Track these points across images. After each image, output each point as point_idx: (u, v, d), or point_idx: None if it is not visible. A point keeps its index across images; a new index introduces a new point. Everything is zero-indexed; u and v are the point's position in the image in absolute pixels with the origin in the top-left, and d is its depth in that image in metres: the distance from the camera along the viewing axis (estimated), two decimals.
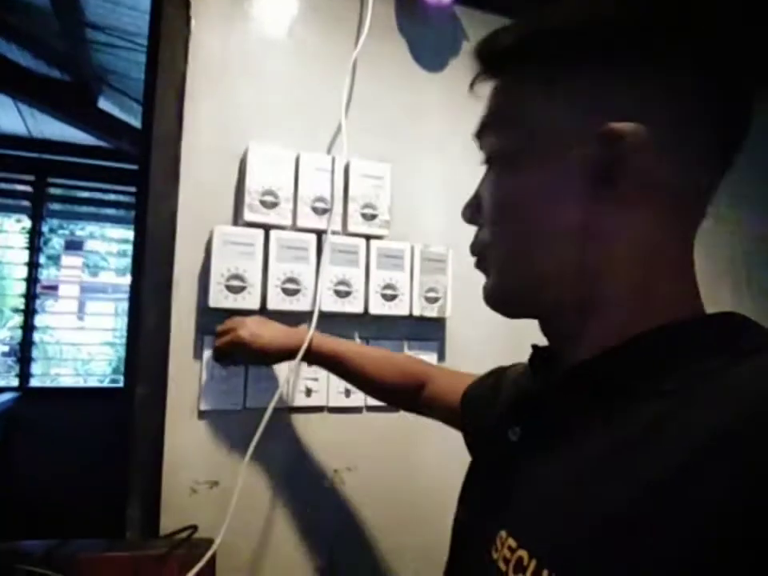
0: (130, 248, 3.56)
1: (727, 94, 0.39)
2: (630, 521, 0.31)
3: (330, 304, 1.01)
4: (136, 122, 2.73)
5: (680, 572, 0.28)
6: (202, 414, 0.97)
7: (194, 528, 0.90)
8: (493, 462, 0.50)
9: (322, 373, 1.02)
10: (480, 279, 0.49)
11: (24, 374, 3.07)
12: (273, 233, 0.98)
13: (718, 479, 0.28)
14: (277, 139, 1.03)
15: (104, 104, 2.71)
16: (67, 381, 3.67)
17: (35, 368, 3.17)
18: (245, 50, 1.05)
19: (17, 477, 2.61)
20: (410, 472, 1.11)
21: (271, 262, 0.97)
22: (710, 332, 0.38)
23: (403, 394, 0.92)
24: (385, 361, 0.93)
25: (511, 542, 0.38)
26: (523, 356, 0.54)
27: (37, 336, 3.21)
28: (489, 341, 1.15)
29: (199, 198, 0.99)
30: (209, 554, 0.83)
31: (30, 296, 3.12)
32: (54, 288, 3.82)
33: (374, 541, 1.07)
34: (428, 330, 1.14)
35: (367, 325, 1.08)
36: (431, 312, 1.10)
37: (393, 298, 1.06)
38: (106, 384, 3.75)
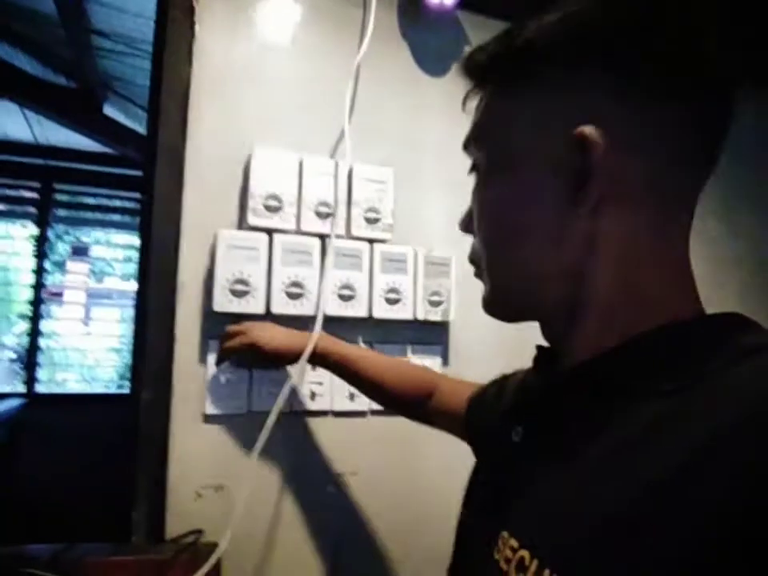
0: (135, 254, 3.58)
1: (700, 93, 0.39)
2: (630, 521, 0.31)
3: (334, 308, 1.01)
4: (141, 129, 2.75)
5: (680, 572, 0.28)
6: (207, 418, 0.97)
7: (200, 532, 0.90)
8: (495, 463, 0.51)
9: (326, 377, 1.02)
10: None
11: (30, 380, 3.09)
12: (277, 237, 0.98)
13: (718, 479, 0.28)
14: (280, 144, 1.04)
15: (109, 110, 2.73)
16: (73, 386, 3.68)
17: (41, 374, 3.19)
18: (249, 55, 1.05)
19: (23, 481, 2.61)
20: (414, 476, 1.11)
21: (275, 266, 0.97)
22: (710, 332, 0.38)
23: (410, 403, 0.92)
24: (394, 368, 0.93)
25: (513, 543, 0.38)
26: (528, 359, 0.54)
27: (43, 342, 3.23)
28: (493, 344, 1.15)
29: (204, 202, 0.99)
30: (214, 557, 0.83)
31: (36, 302, 3.14)
32: (60, 294, 3.83)
33: (379, 545, 1.07)
34: (432, 333, 1.14)
35: (371, 329, 1.08)
36: (435, 316, 1.10)
37: (396, 301, 1.06)
38: (111, 390, 3.76)
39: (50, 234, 3.29)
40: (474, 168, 0.50)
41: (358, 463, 1.07)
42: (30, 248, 3.23)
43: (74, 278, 4.08)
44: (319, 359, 0.92)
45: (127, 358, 3.47)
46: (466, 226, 0.51)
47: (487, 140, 0.47)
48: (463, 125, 0.50)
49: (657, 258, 0.41)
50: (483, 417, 0.69)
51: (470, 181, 0.51)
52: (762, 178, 1.54)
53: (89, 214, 3.55)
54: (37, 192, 3.24)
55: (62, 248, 3.96)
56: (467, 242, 0.52)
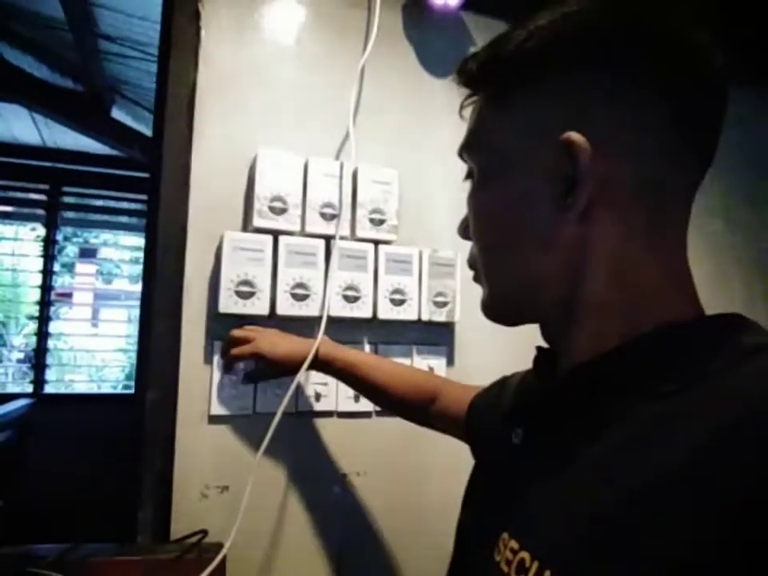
0: (142, 255, 3.60)
1: (695, 92, 0.39)
2: (630, 521, 0.31)
3: (339, 309, 1.01)
4: (148, 131, 2.77)
5: (681, 572, 0.28)
6: (212, 419, 0.97)
7: (205, 532, 0.91)
8: (496, 465, 0.51)
9: (331, 378, 1.02)
10: None
11: (38, 381, 3.11)
12: (282, 238, 0.99)
13: (718, 479, 0.28)
14: (285, 146, 1.04)
15: (117, 113, 2.74)
16: (81, 387, 3.70)
17: (49, 374, 3.21)
18: (254, 58, 1.06)
19: (31, 481, 2.63)
20: (419, 477, 1.11)
21: (280, 267, 0.98)
22: (709, 333, 0.38)
23: (414, 407, 0.92)
24: (397, 373, 0.93)
25: (513, 544, 0.38)
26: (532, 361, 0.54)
27: (51, 343, 3.25)
28: (498, 345, 1.15)
29: (209, 204, 1.00)
30: (218, 558, 0.84)
31: (45, 303, 3.16)
32: (68, 295, 3.86)
33: (384, 545, 1.07)
34: (437, 334, 1.14)
35: (376, 330, 1.09)
36: (440, 316, 1.10)
37: (401, 302, 1.06)
38: (119, 390, 3.78)
39: (58, 236, 3.31)
40: (469, 175, 0.50)
41: (362, 464, 1.07)
42: (38, 250, 3.25)
43: (82, 280, 4.10)
44: (322, 365, 0.92)
45: (134, 358, 3.49)
46: (464, 231, 0.52)
47: (480, 147, 0.48)
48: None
49: (652, 259, 0.41)
50: (484, 419, 0.69)
51: None
52: (763, 176, 1.53)
53: (97, 216, 3.57)
54: (45, 194, 3.26)
55: (70, 250, 3.99)
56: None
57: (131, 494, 0.96)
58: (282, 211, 0.99)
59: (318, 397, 1.04)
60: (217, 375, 0.97)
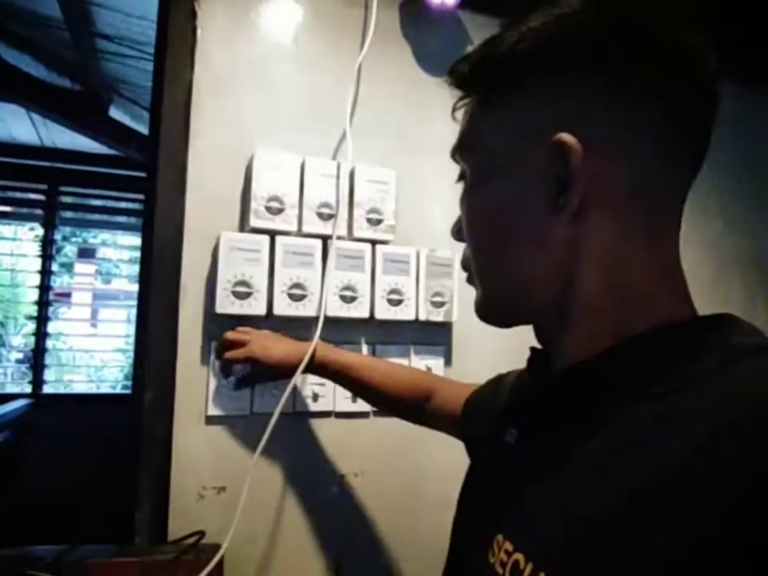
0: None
1: (688, 92, 0.40)
2: (628, 521, 0.31)
3: (336, 309, 1.01)
4: (146, 131, 2.76)
5: (681, 572, 0.28)
6: (209, 420, 0.97)
7: (202, 533, 0.90)
8: (490, 465, 0.51)
9: None
10: None
11: (37, 381, 3.10)
12: (278, 238, 0.98)
13: (718, 480, 0.28)
14: (282, 145, 1.04)
15: (115, 113, 2.74)
16: (80, 387, 3.69)
17: (48, 374, 3.20)
18: (250, 57, 1.06)
19: (29, 482, 2.63)
20: (417, 477, 1.11)
21: (277, 267, 0.98)
22: (703, 333, 0.38)
23: (410, 406, 0.92)
24: (392, 373, 0.93)
25: (507, 546, 0.38)
26: None
27: (50, 343, 3.24)
28: (495, 345, 1.14)
29: (206, 204, 1.00)
30: (216, 559, 0.83)
31: (43, 303, 3.16)
32: (67, 295, 3.85)
33: (382, 546, 1.07)
34: (434, 334, 1.14)
35: (373, 330, 1.08)
36: (437, 316, 1.10)
37: (399, 302, 1.06)
38: (118, 390, 3.77)
39: (57, 235, 3.31)
40: (461, 177, 0.50)
41: (360, 464, 1.07)
42: (36, 250, 3.25)
43: (81, 280, 4.10)
44: (318, 369, 0.92)
45: (133, 358, 3.49)
46: (458, 233, 0.52)
47: (472, 148, 0.48)
48: None
49: (644, 259, 0.41)
50: (478, 418, 0.69)
51: None
52: (762, 175, 1.53)
53: (95, 216, 3.56)
54: (43, 194, 3.25)
55: (69, 250, 3.98)
56: None
57: (129, 495, 0.96)
58: (279, 211, 0.99)
59: (315, 397, 1.04)
60: (214, 375, 0.97)
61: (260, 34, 1.07)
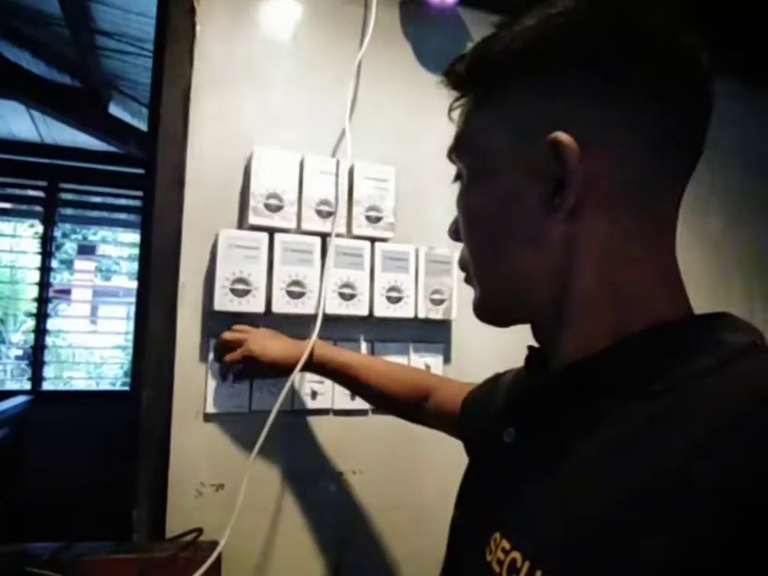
0: None
1: (683, 92, 0.40)
2: (625, 522, 0.31)
3: (335, 307, 1.01)
4: (146, 128, 2.76)
5: (680, 572, 0.28)
6: (207, 417, 0.97)
7: (200, 531, 0.91)
8: (488, 464, 0.51)
9: None
10: None
11: (36, 378, 3.10)
12: (277, 236, 0.98)
13: (717, 479, 0.28)
14: (281, 143, 1.03)
15: (114, 109, 2.74)
16: (79, 384, 3.70)
17: (48, 371, 3.21)
18: (249, 54, 1.05)
19: (28, 479, 2.63)
20: (416, 475, 1.11)
21: (276, 265, 0.97)
22: (699, 332, 0.38)
23: (408, 405, 0.92)
24: (391, 372, 0.93)
25: (505, 544, 0.38)
26: None
27: (49, 340, 3.25)
28: (494, 343, 1.14)
29: (204, 201, 0.99)
30: (213, 556, 0.84)
31: (43, 300, 3.16)
32: (67, 292, 3.86)
33: (380, 544, 1.07)
34: (433, 332, 1.14)
35: (372, 327, 1.08)
36: (436, 314, 1.09)
37: (398, 300, 1.06)
38: (117, 387, 3.78)
39: (57, 232, 3.31)
40: (458, 177, 0.51)
41: (359, 462, 1.07)
42: (36, 247, 3.25)
43: (81, 276, 4.10)
44: (316, 367, 0.92)
45: (132, 355, 3.49)
46: (455, 233, 0.52)
47: (469, 148, 0.48)
48: None
49: (641, 258, 0.41)
50: (476, 417, 0.69)
51: None
52: (762, 174, 1.53)
53: (95, 213, 3.56)
54: (43, 191, 3.25)
55: (68, 247, 3.99)
56: None
57: (128, 492, 0.96)
58: (278, 208, 0.99)
59: (313, 395, 1.04)
60: (212, 373, 0.97)
61: (259, 30, 1.07)
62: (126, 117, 2.80)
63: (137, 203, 3.50)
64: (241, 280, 0.95)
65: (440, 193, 1.15)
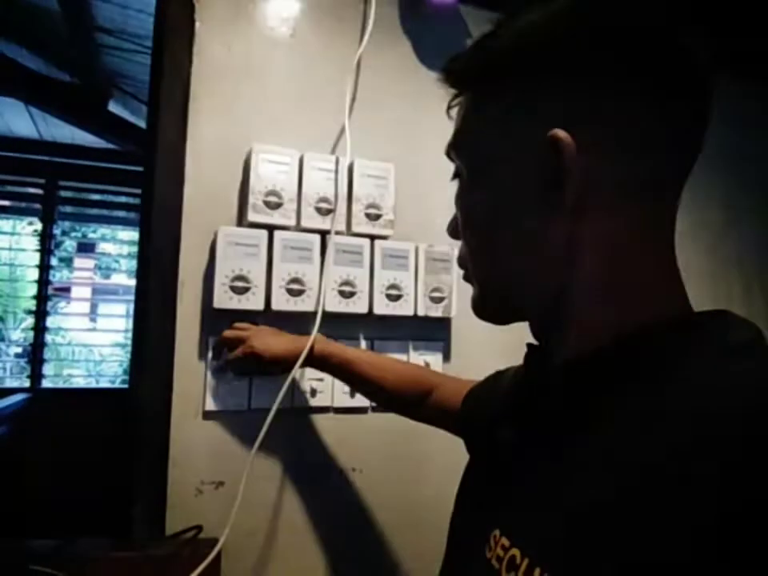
0: None
1: (678, 91, 0.39)
2: (621, 519, 0.31)
3: (335, 304, 1.01)
4: (145, 125, 2.75)
5: (676, 571, 0.27)
6: (207, 415, 0.97)
7: (200, 528, 0.91)
8: (488, 461, 0.51)
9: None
10: None
11: (36, 375, 3.10)
12: (277, 233, 0.98)
13: (709, 477, 0.28)
14: (281, 140, 1.03)
15: (114, 107, 2.73)
16: (79, 382, 3.70)
17: (47, 369, 3.20)
18: (249, 51, 1.05)
19: (28, 477, 2.63)
20: (416, 472, 1.11)
21: (275, 262, 0.97)
22: (698, 330, 0.38)
23: (408, 402, 0.92)
24: (391, 368, 0.93)
25: (504, 541, 0.38)
26: None
27: (49, 337, 3.24)
28: (494, 340, 1.14)
29: (203, 198, 0.99)
30: (213, 553, 0.84)
31: (42, 298, 3.15)
32: (66, 290, 3.85)
33: (381, 541, 1.07)
34: (433, 330, 1.14)
35: (372, 325, 1.08)
36: (436, 312, 1.09)
37: (397, 298, 1.06)
38: (117, 385, 3.78)
39: (56, 230, 3.30)
40: (456, 174, 0.50)
41: (358, 460, 1.07)
42: (35, 244, 3.24)
43: (80, 274, 4.10)
44: (318, 363, 0.93)
45: (131, 353, 3.49)
46: (454, 231, 0.52)
47: (467, 147, 0.48)
48: None
49: (640, 257, 0.40)
50: (477, 414, 0.69)
51: None
52: (762, 171, 1.53)
53: (94, 211, 3.56)
54: (42, 188, 3.24)
55: (68, 244, 3.99)
56: None
57: (128, 490, 0.96)
58: (277, 206, 0.98)
59: (313, 392, 1.04)
60: (211, 371, 0.97)
61: (259, 27, 1.06)
62: (125, 114, 2.79)
63: (136, 201, 3.49)
64: (240, 277, 0.95)
65: (440, 190, 1.15)
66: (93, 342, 3.86)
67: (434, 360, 1.12)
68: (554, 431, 0.41)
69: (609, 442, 0.35)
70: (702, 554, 0.27)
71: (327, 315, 0.98)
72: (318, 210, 1.02)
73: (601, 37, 0.39)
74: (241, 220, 1.00)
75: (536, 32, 0.41)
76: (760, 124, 1.53)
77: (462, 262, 0.52)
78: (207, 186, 1.00)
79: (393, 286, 1.05)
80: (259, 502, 0.98)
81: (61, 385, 3.45)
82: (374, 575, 1.07)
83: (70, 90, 2.56)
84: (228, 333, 0.93)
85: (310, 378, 1.03)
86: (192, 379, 0.96)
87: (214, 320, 0.97)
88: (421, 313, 1.08)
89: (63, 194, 3.32)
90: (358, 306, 1.03)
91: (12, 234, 3.80)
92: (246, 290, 0.95)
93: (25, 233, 3.72)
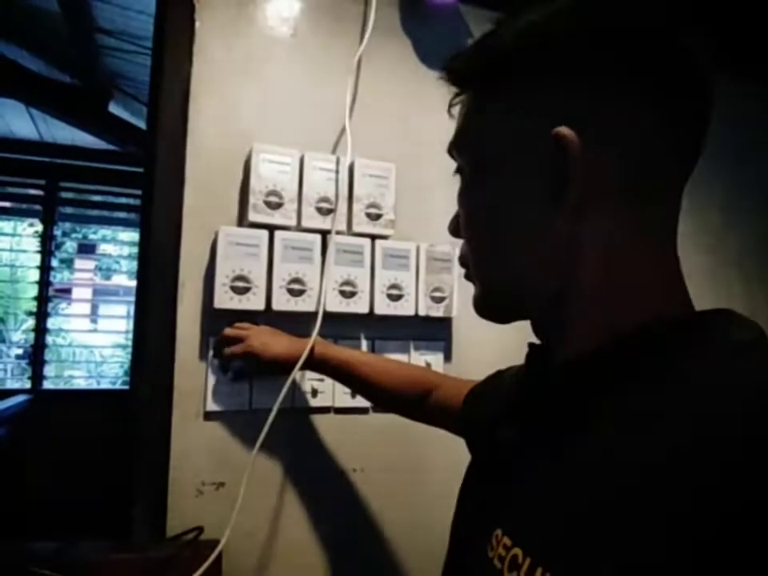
0: None
1: (679, 90, 0.39)
2: (621, 519, 0.31)
3: (336, 304, 1.01)
4: (145, 126, 2.75)
5: (675, 571, 0.27)
6: (207, 415, 0.97)
7: (200, 529, 0.90)
8: (489, 461, 0.51)
9: None
10: None
11: (37, 377, 3.10)
12: (277, 233, 0.98)
13: (708, 476, 0.28)
14: (281, 140, 1.03)
15: (114, 108, 2.73)
16: (80, 383, 3.70)
17: (48, 370, 3.20)
18: (249, 51, 1.05)
19: (29, 478, 2.63)
20: (418, 472, 1.11)
21: (276, 262, 0.97)
22: (699, 329, 0.38)
23: (409, 403, 0.92)
24: (391, 369, 0.93)
25: (506, 541, 0.38)
26: None
27: (50, 338, 3.24)
28: (495, 340, 1.14)
29: (204, 199, 0.99)
30: (214, 554, 0.83)
31: (43, 299, 3.15)
32: (67, 291, 3.86)
33: (382, 542, 1.06)
34: (434, 329, 1.13)
35: (373, 325, 1.08)
36: (437, 312, 1.09)
37: (398, 297, 1.05)
38: (118, 386, 3.78)
39: (57, 231, 3.30)
40: (458, 170, 0.50)
41: (360, 460, 1.07)
42: (36, 245, 3.24)
43: (81, 275, 4.10)
44: (317, 365, 0.93)
45: (132, 354, 3.49)
46: (455, 229, 0.52)
47: (469, 145, 0.47)
48: None
49: (642, 256, 0.40)
50: (478, 414, 0.69)
51: None
52: (762, 171, 1.53)
53: (95, 212, 3.56)
54: (42, 189, 3.24)
55: (69, 245, 3.99)
56: None
57: (128, 491, 0.96)
58: (278, 206, 0.98)
59: (314, 393, 1.03)
60: (212, 371, 0.97)
61: (259, 27, 1.06)
62: (126, 115, 2.80)
63: (137, 202, 3.49)
64: (241, 278, 0.95)
65: (440, 189, 1.15)
66: (94, 343, 3.87)
67: (435, 360, 1.12)
68: (554, 431, 0.41)
69: (609, 442, 0.35)
70: (702, 554, 0.26)
71: (328, 315, 0.98)
72: (319, 209, 1.02)
73: (601, 37, 0.39)
74: (241, 220, 1.00)
75: (537, 31, 0.41)
76: (760, 124, 1.53)
77: (463, 261, 0.51)
78: (207, 187, 1.00)
79: (394, 286, 1.05)
80: (260, 502, 0.98)
81: (62, 386, 3.44)
82: (376, 575, 1.06)
83: (70, 91, 2.57)
84: (228, 331, 0.93)
85: (310, 378, 1.03)
86: (193, 379, 0.96)
87: (215, 320, 0.97)
88: (422, 313, 1.08)
89: (64, 195, 3.32)
90: (359, 306, 1.03)
91: (13, 235, 3.81)
92: (247, 290, 0.95)
93: (25, 234, 3.73)
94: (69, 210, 3.41)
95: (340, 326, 1.04)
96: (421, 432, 1.05)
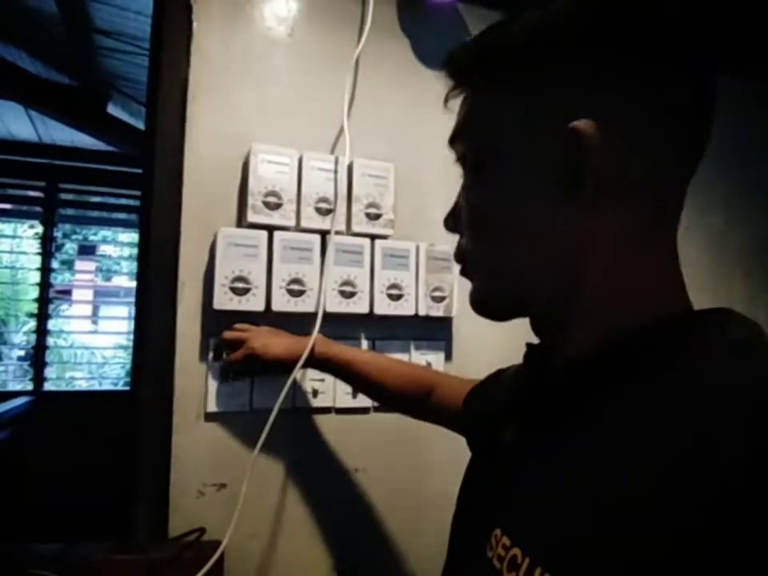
0: None
1: (670, 90, 0.39)
2: (620, 519, 0.31)
3: (335, 305, 1.01)
4: (144, 127, 2.75)
5: (674, 570, 0.27)
6: (208, 416, 0.97)
7: (202, 530, 0.90)
8: (489, 461, 0.51)
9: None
10: None
11: (38, 378, 3.10)
12: (276, 234, 0.98)
13: (713, 477, 0.28)
14: (279, 140, 1.03)
15: (113, 109, 2.73)
16: (82, 384, 3.70)
17: (49, 372, 3.20)
18: (247, 51, 1.05)
19: (31, 480, 2.63)
20: (419, 473, 1.11)
21: (275, 263, 0.97)
22: (699, 328, 0.38)
23: (410, 401, 0.92)
24: (393, 368, 0.93)
25: (505, 541, 0.38)
26: None
27: (51, 340, 3.24)
28: (496, 339, 1.14)
29: (203, 199, 0.99)
30: (216, 555, 0.83)
31: (44, 301, 3.15)
32: (68, 292, 3.86)
33: (384, 542, 1.06)
34: (434, 329, 1.13)
35: (373, 325, 1.08)
36: (437, 311, 1.09)
37: (398, 297, 1.05)
38: (120, 387, 3.78)
39: (57, 232, 3.30)
40: (460, 159, 0.49)
41: (361, 460, 1.07)
42: (36, 247, 3.24)
43: (81, 277, 4.10)
44: (318, 363, 0.93)
45: (132, 355, 3.49)
46: (453, 223, 0.51)
47: (474, 138, 0.46)
48: None
49: (649, 254, 0.40)
50: (479, 413, 0.69)
51: None
52: (763, 169, 1.52)
53: (95, 213, 3.56)
54: (42, 191, 3.24)
55: (69, 247, 3.99)
56: None
57: (130, 492, 0.96)
58: (277, 206, 0.98)
59: (315, 393, 1.03)
60: (212, 372, 0.97)
61: (257, 27, 1.06)
62: (124, 116, 2.80)
63: (137, 203, 3.49)
64: (240, 278, 0.94)
65: (440, 189, 1.15)
66: (95, 345, 3.87)
67: (436, 359, 1.12)
68: (554, 430, 0.41)
69: (609, 442, 0.35)
70: (702, 554, 0.26)
71: (328, 316, 0.98)
72: (318, 210, 1.01)
73: (601, 36, 0.39)
74: (240, 221, 1.00)
75: (550, 22, 0.41)
76: (760, 124, 1.53)
77: (459, 257, 0.50)
78: (206, 187, 0.99)
79: (393, 286, 1.05)
80: (262, 503, 0.98)
81: (63, 387, 3.44)
82: (377, 575, 1.06)
83: (68, 92, 2.57)
84: (228, 334, 0.93)
85: (311, 379, 1.03)
86: (193, 381, 0.96)
87: (215, 321, 0.96)
88: (422, 312, 1.08)
89: (63, 196, 3.32)
90: (359, 306, 1.03)
91: (13, 237, 3.81)
92: (246, 290, 0.95)
93: (26, 236, 3.73)
94: (69, 211, 3.41)
95: (340, 326, 1.04)
96: (422, 432, 1.06)
